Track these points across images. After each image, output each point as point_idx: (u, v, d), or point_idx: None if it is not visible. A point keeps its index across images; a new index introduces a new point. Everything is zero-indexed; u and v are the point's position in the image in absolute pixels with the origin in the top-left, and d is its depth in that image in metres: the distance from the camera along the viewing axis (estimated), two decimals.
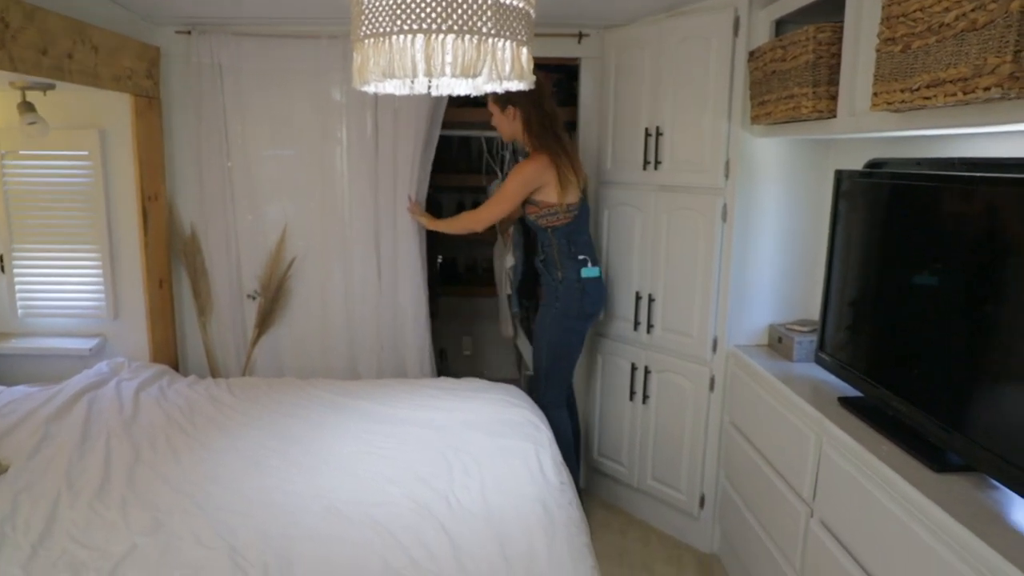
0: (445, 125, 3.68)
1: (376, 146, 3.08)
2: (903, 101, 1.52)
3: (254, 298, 3.19)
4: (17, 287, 2.99)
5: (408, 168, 3.06)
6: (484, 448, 2.21)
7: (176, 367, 3.20)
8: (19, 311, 3.01)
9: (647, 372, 2.99)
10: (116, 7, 2.73)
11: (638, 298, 2.97)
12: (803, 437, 2.05)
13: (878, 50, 1.62)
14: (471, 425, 2.37)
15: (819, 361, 2.28)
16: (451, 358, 4.40)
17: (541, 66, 3.65)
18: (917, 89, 1.47)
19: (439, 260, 4.07)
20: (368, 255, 3.15)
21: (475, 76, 1.70)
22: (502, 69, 1.74)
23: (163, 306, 3.08)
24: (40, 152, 2.91)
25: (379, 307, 3.20)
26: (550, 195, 2.77)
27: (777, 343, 2.60)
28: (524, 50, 1.81)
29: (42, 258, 2.99)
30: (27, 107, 2.64)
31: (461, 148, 4.08)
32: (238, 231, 3.15)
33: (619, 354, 3.13)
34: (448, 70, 1.72)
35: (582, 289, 2.85)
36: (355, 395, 2.64)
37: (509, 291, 3.25)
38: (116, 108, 2.85)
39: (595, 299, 2.90)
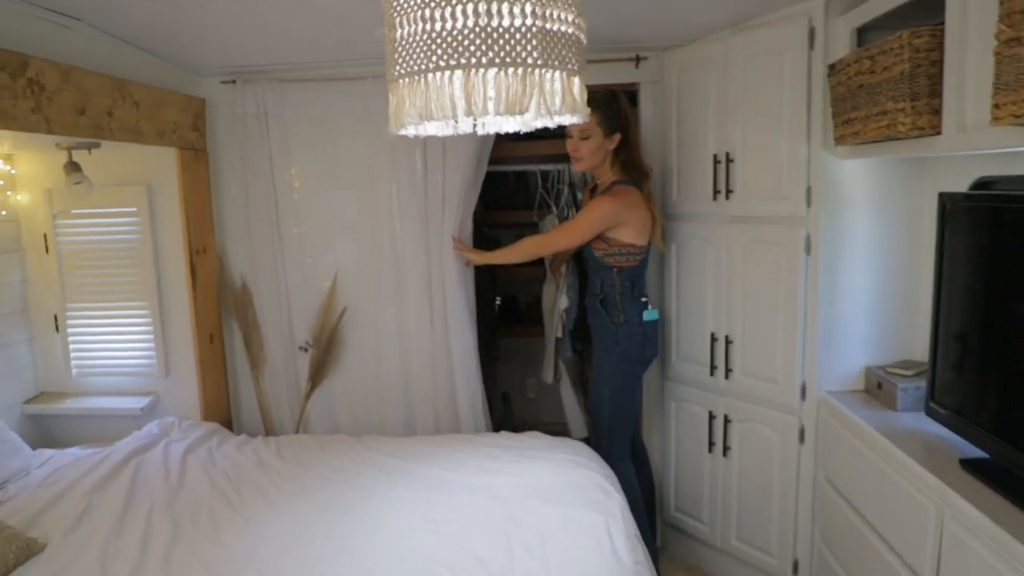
0: (501, 160, 3.54)
1: (425, 186, 2.93)
2: None
3: (306, 350, 3.07)
4: (71, 346, 2.95)
5: (454, 207, 2.90)
6: (549, 521, 1.98)
7: (229, 423, 3.10)
8: (73, 371, 2.97)
9: (727, 421, 2.71)
10: (158, 61, 2.68)
11: (713, 340, 2.71)
12: (920, 508, 1.76)
13: (997, 53, 1.36)
14: (534, 492, 2.15)
15: (931, 413, 1.97)
16: (515, 401, 4.19)
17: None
18: None
19: (498, 300, 3.89)
20: (421, 300, 3.00)
21: (522, 112, 1.52)
22: (551, 103, 1.55)
23: (214, 361, 2.99)
24: (90, 211, 2.88)
25: (434, 355, 3.03)
26: (627, 234, 2.57)
27: (876, 389, 2.29)
28: (576, 80, 1.61)
29: (95, 316, 2.95)
30: (73, 167, 2.60)
31: (518, 183, 3.91)
32: (288, 281, 3.05)
33: (694, 400, 2.86)
34: (491, 107, 1.54)
35: (644, 333, 2.65)
36: (409, 456, 2.46)
37: (560, 334, 3.04)
38: (163, 162, 2.80)
39: (655, 343, 2.74)
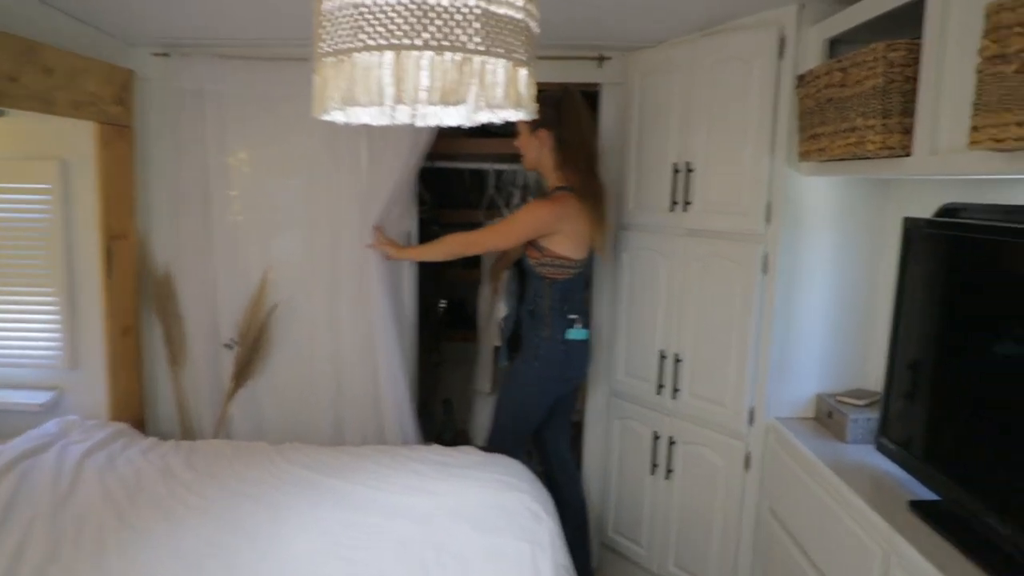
0: (457, 157, 3.36)
1: (368, 180, 2.74)
2: (1020, 138, 1.14)
3: (232, 347, 2.85)
4: None
5: (383, 200, 2.72)
6: (471, 548, 1.82)
7: (142, 424, 2.87)
8: None
9: (671, 443, 2.58)
10: (80, 25, 2.45)
11: (662, 357, 2.58)
12: (865, 550, 1.65)
13: (980, 71, 1.24)
14: (459, 515, 1.98)
15: (881, 448, 1.87)
16: (458, 408, 4.02)
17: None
18: None
19: (443, 304, 3.72)
20: (355, 300, 2.80)
21: (457, 103, 1.36)
22: (492, 95, 1.39)
23: (128, 356, 2.76)
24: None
25: (364, 359, 2.84)
26: (560, 245, 2.43)
27: (827, 418, 2.19)
28: (522, 72, 1.45)
29: None
30: None
31: (474, 181, 3.74)
32: (216, 273, 2.83)
33: (639, 419, 2.73)
34: (424, 95, 1.37)
35: (566, 351, 2.53)
36: (330, 470, 2.28)
37: (498, 343, 2.89)
38: (80, 137, 2.56)
39: (579, 364, 2.61)
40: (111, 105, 2.55)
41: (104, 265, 2.60)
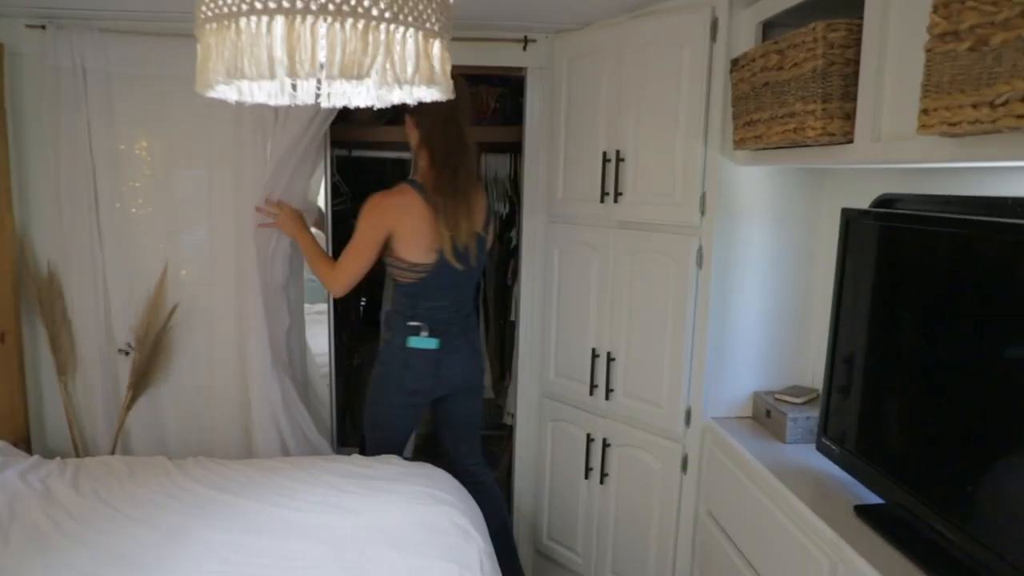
0: (375, 146, 3.17)
1: (273, 168, 2.53)
2: (976, 121, 1.05)
3: (128, 353, 2.59)
4: None
5: (280, 183, 2.52)
6: (393, 573, 1.66)
7: (27, 440, 2.58)
8: None
9: (605, 445, 2.48)
10: None
11: (595, 356, 2.47)
12: (811, 559, 1.56)
13: (929, 50, 1.15)
14: (379, 535, 1.81)
15: (822, 449, 1.79)
16: None
17: (480, 79, 3.18)
18: (1004, 103, 0.99)
19: (363, 302, 3.52)
20: (264, 298, 2.58)
21: (361, 77, 1.18)
22: (401, 69, 1.22)
23: (6, 366, 2.47)
24: None
25: (277, 363, 2.63)
26: (401, 246, 2.26)
27: (764, 417, 2.11)
28: (435, 44, 1.29)
29: None
30: None
31: (395, 171, 3.55)
32: (107, 271, 2.56)
33: (572, 421, 2.61)
34: (322, 68, 1.20)
35: (405, 360, 2.37)
36: (237, 487, 2.07)
37: None
38: None
39: (419, 375, 2.39)
40: None
41: None
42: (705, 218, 2.12)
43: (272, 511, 1.92)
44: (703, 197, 2.11)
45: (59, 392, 2.63)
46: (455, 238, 2.26)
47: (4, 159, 2.43)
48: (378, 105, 1.58)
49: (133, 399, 2.61)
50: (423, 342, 2.34)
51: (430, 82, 1.28)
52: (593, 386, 2.48)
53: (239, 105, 2.42)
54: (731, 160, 2.05)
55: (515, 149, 2.95)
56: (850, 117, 1.51)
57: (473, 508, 2.08)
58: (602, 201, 2.37)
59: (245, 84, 1.42)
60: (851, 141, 1.51)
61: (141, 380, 2.60)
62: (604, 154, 2.35)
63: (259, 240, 2.51)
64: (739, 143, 1.93)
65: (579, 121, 2.48)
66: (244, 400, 2.65)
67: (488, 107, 3.14)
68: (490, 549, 1.89)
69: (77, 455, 2.65)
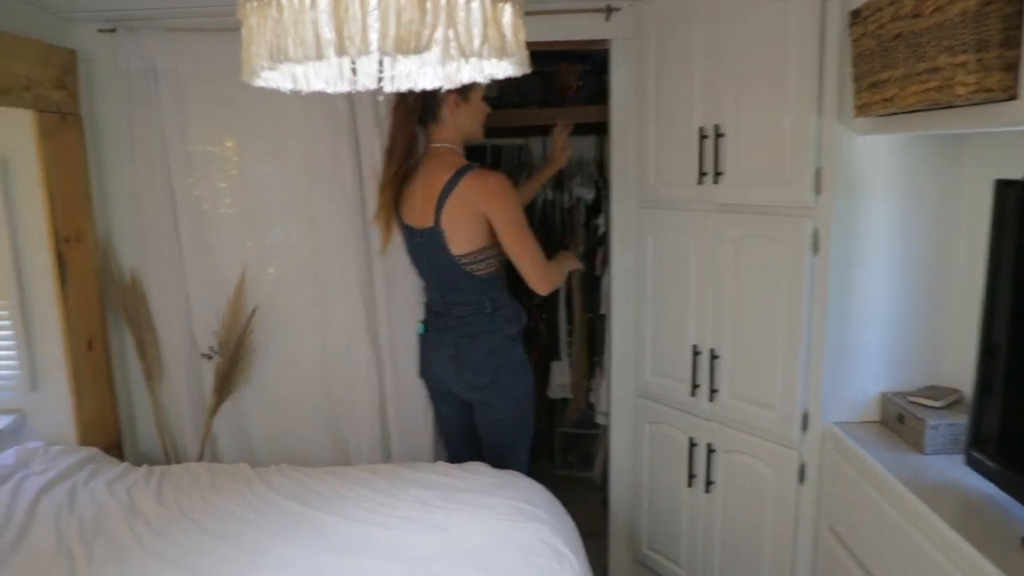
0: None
1: (358, 162, 2.42)
2: None
3: (210, 357, 2.56)
4: None
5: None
6: None
7: (119, 446, 2.59)
8: None
9: (710, 450, 2.25)
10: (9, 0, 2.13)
11: (696, 353, 2.24)
12: None
13: None
14: (465, 556, 1.67)
15: (973, 463, 1.52)
16: None
17: (561, 56, 2.97)
18: None
19: None
20: (352, 299, 2.48)
21: (419, 51, 1.02)
22: (466, 39, 1.05)
23: (95, 372, 2.47)
24: None
25: (376, 364, 2.53)
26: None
27: (896, 422, 1.84)
28: (507, 9, 1.11)
29: None
30: None
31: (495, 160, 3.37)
32: (188, 276, 2.52)
33: (672, 423, 2.40)
34: (375, 43, 1.04)
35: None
36: (317, 499, 1.98)
37: None
38: (19, 129, 2.25)
39: (421, 362, 2.48)
40: (50, 90, 2.24)
41: (56, 273, 2.30)
42: (821, 197, 1.86)
43: (352, 528, 1.82)
44: (818, 173, 1.85)
45: (147, 397, 2.63)
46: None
47: (84, 167, 2.42)
48: (447, 86, 1.42)
49: (218, 404, 2.58)
50: (419, 327, 2.43)
51: (501, 53, 1.11)
52: (695, 386, 2.26)
53: (314, 97, 2.39)
54: (850, 130, 1.78)
55: (601, 130, 2.74)
56: (1012, 68, 1.23)
57: (567, 525, 1.92)
58: (699, 182, 2.14)
59: (298, 69, 1.30)
60: (1013, 97, 1.24)
61: (225, 384, 2.56)
62: (700, 130, 2.11)
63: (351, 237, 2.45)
64: (861, 109, 1.66)
65: (671, 95, 2.25)
66: (330, 403, 2.58)
67: (570, 86, 2.94)
68: (587, 572, 1.72)
69: (167, 460, 2.65)
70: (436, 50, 1.03)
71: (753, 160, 2.01)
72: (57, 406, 2.41)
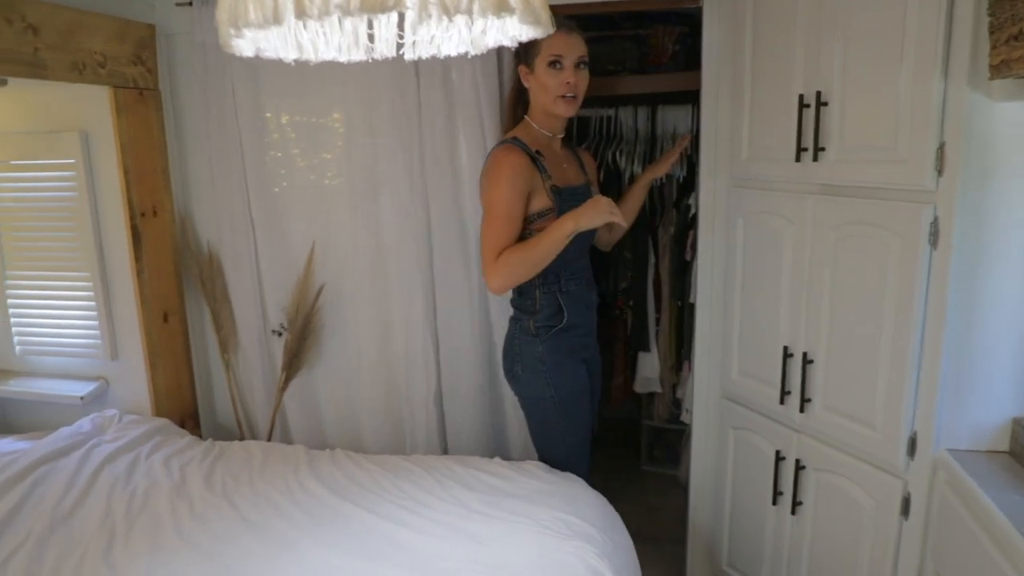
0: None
1: (420, 137, 2.29)
2: None
3: (280, 334, 2.54)
4: (12, 320, 2.54)
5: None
6: None
7: (195, 417, 2.64)
8: (16, 348, 2.56)
9: (799, 467, 1.97)
10: None
11: (787, 355, 1.96)
12: None
13: None
14: (497, 574, 1.52)
15: None
16: None
17: (656, 17, 2.69)
18: None
19: None
20: (415, 281, 2.38)
21: (385, 9, 0.85)
22: None
23: (170, 344, 2.51)
24: (24, 162, 2.42)
25: (434, 347, 2.43)
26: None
27: None
28: None
29: (37, 287, 2.51)
30: None
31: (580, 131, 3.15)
32: (259, 251, 2.50)
33: (758, 432, 2.13)
34: (335, 4, 0.87)
35: None
36: (358, 492, 1.90)
37: None
38: (101, 103, 2.28)
39: None
40: (127, 65, 2.25)
41: (131, 246, 2.34)
42: (943, 179, 1.52)
43: (385, 528, 1.71)
44: (940, 150, 1.52)
45: (223, 370, 2.65)
46: None
47: (162, 141, 2.44)
48: (473, 51, 1.24)
49: (287, 381, 2.56)
50: None
51: (501, 9, 0.91)
52: (785, 393, 1.98)
53: (382, 70, 2.28)
54: (984, 95, 1.44)
55: (698, 100, 2.45)
56: None
57: (621, 545, 1.73)
58: (798, 159, 1.84)
59: (304, 37, 1.17)
60: None
61: (293, 362, 2.53)
62: (801, 98, 1.80)
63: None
64: (999, 68, 1.32)
65: (769, 57, 1.95)
66: (390, 387, 2.50)
67: (666, 50, 2.66)
68: None
69: (240, 434, 2.68)
70: (413, 7, 0.85)
71: (861, 133, 1.69)
72: (135, 376, 2.48)
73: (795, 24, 1.83)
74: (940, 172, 1.53)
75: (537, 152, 1.97)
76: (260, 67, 2.37)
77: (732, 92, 2.10)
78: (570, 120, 2.09)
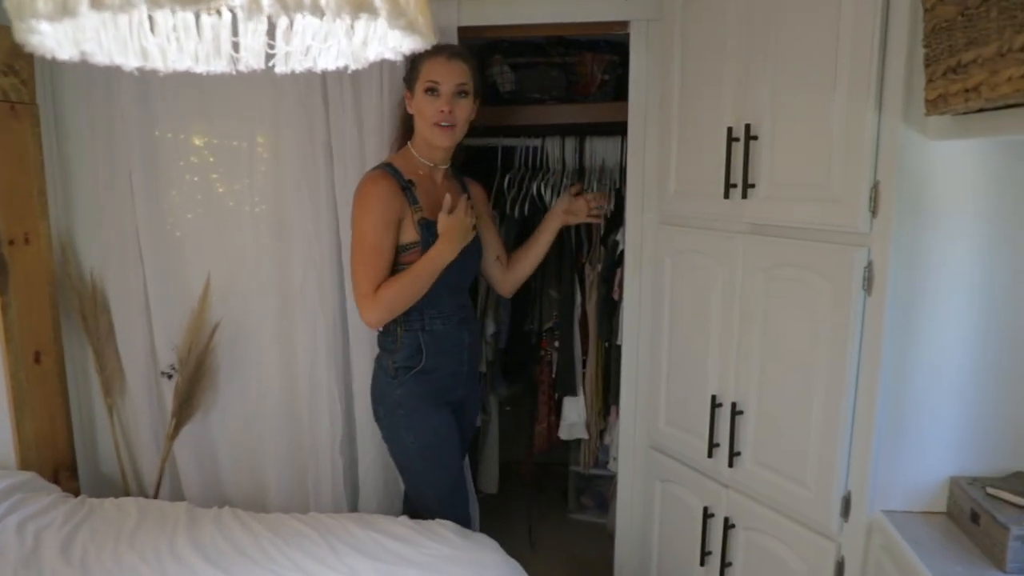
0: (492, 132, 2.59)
1: (331, 167, 2.11)
2: None
3: (171, 376, 2.29)
4: None
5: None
6: None
7: (72, 467, 2.35)
8: None
9: (728, 525, 1.83)
10: None
11: (715, 405, 1.82)
12: None
13: None
14: None
15: None
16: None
17: (585, 44, 2.58)
18: None
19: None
20: (317, 320, 2.18)
21: (197, 3, 0.67)
22: None
23: (42, 387, 2.23)
24: None
25: (340, 391, 2.23)
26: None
27: (968, 520, 1.39)
28: None
29: None
30: None
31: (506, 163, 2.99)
32: (148, 282, 2.26)
33: (686, 485, 1.99)
34: None
35: None
36: (239, 562, 1.66)
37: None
38: None
39: None
40: None
41: None
42: (878, 220, 1.42)
43: None
44: (875, 189, 1.42)
45: (107, 416, 2.38)
46: None
47: (37, 160, 2.19)
48: (353, 65, 1.08)
49: (177, 427, 2.31)
50: None
51: (360, 8, 0.75)
52: (713, 445, 1.84)
53: (287, 91, 2.09)
54: (919, 132, 1.35)
55: (619, 129, 2.33)
56: None
57: None
58: (726, 196, 1.72)
59: (150, 43, 1.00)
60: None
61: (184, 406, 2.28)
62: (729, 131, 1.70)
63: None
64: (934, 104, 1.22)
65: (697, 87, 1.84)
66: (296, 433, 2.28)
67: (595, 79, 2.54)
68: None
69: (125, 486, 2.41)
70: (239, 7, 0.68)
71: (791, 170, 1.58)
72: (0, 422, 2.19)
73: (724, 50, 1.73)
74: (874, 213, 1.43)
75: (409, 181, 1.85)
76: (152, 83, 2.15)
77: (660, 123, 1.99)
78: (472, 150, 1.98)
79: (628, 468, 2.19)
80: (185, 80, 2.02)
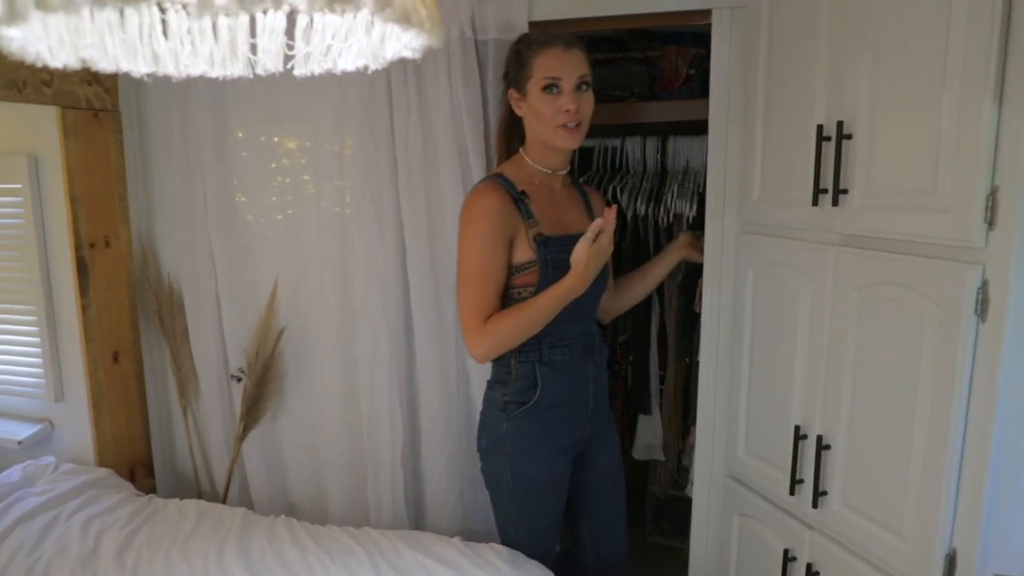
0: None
1: (394, 166, 2.05)
2: None
3: (239, 379, 2.30)
4: None
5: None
6: None
7: (149, 464, 2.41)
8: None
9: (811, 572, 1.63)
10: None
11: (800, 437, 1.63)
12: None
13: None
14: None
15: None
16: None
17: (669, 36, 2.41)
18: None
19: None
20: (380, 328, 2.12)
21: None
22: None
23: (120, 386, 2.29)
24: None
25: (401, 404, 2.16)
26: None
27: None
28: None
29: None
30: None
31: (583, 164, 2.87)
32: (220, 288, 2.28)
33: (765, 522, 1.79)
34: None
35: None
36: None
37: None
38: (52, 125, 2.10)
39: None
40: (79, 85, 2.07)
41: (76, 280, 2.14)
42: (995, 233, 1.20)
43: None
44: (992, 196, 1.20)
45: (182, 416, 2.43)
46: None
47: (120, 166, 2.25)
48: (373, 65, 0.99)
49: (245, 431, 2.32)
50: None
51: (408, 20, 0.66)
52: (796, 481, 1.64)
53: (353, 98, 2.05)
54: None
55: (699, 127, 2.15)
56: None
57: None
58: (815, 203, 1.53)
59: (162, 47, 0.96)
60: None
61: (252, 410, 2.29)
62: (820, 128, 1.50)
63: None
64: None
65: (785, 80, 1.65)
66: (356, 443, 2.24)
67: (679, 74, 2.37)
68: None
69: (197, 485, 2.44)
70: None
71: (891, 173, 1.38)
72: (81, 420, 2.26)
73: (816, 41, 1.53)
74: (991, 225, 1.21)
75: (522, 192, 1.67)
76: (230, 92, 2.16)
77: (744, 121, 1.80)
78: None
79: (703, 498, 2.02)
80: (261, 89, 2.07)
